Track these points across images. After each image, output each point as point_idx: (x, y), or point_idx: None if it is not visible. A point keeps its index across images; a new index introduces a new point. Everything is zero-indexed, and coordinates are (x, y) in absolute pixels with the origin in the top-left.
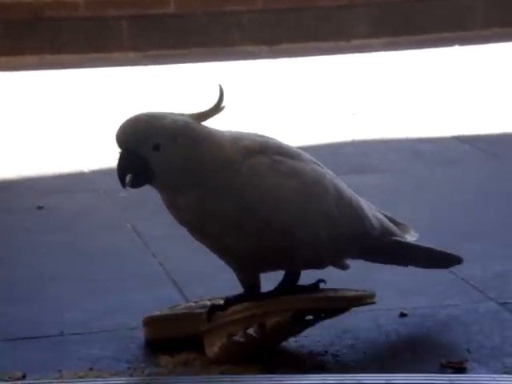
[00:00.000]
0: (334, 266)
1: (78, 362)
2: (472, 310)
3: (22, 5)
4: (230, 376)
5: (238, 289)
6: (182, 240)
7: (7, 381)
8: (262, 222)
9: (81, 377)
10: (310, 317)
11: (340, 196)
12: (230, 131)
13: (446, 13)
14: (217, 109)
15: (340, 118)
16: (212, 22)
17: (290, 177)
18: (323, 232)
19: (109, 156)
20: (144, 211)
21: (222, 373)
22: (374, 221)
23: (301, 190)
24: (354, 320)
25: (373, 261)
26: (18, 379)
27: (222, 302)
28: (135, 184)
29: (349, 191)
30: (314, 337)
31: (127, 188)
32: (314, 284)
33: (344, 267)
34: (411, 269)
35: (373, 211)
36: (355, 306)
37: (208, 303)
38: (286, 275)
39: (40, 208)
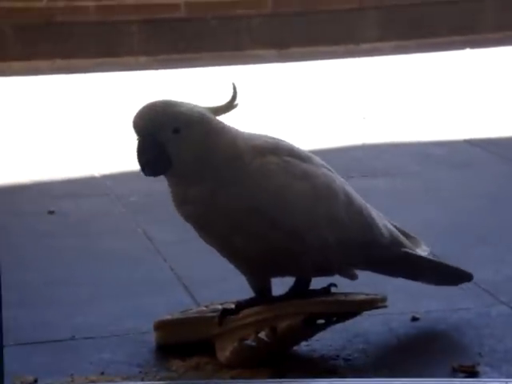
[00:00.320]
0: (342, 275)
1: (89, 366)
2: (484, 314)
3: (33, 9)
4: (241, 380)
5: (249, 293)
6: (193, 244)
7: None
8: (268, 221)
9: (92, 381)
10: (321, 321)
11: (350, 202)
12: (243, 132)
13: (457, 16)
14: (230, 106)
15: (350, 122)
16: (222, 26)
17: (301, 178)
18: (332, 237)
19: (120, 160)
20: (155, 216)
21: (233, 377)
22: (383, 230)
23: (311, 192)
24: (366, 324)
25: (381, 272)
26: (30, 383)
27: (233, 306)
28: (154, 171)
29: (359, 198)
30: (325, 341)
31: (148, 175)
32: (325, 288)
33: (352, 277)
34: None
35: (382, 220)
36: (367, 310)
37: (219, 307)
38: (296, 280)
39: (51, 212)
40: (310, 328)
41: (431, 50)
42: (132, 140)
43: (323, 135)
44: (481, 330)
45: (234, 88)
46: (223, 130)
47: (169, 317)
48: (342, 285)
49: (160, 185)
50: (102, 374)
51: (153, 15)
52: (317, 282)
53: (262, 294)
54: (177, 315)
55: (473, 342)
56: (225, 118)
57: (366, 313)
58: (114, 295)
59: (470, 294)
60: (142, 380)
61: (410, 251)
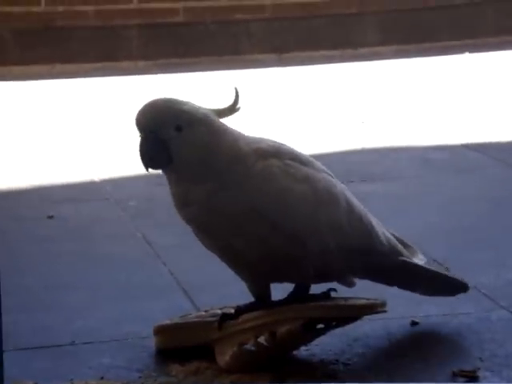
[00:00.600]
0: (340, 282)
1: (89, 370)
2: (484, 319)
3: (32, 14)
4: None
5: (248, 298)
6: (193, 249)
7: None
8: (269, 224)
9: None
10: (321, 325)
11: (351, 208)
12: (245, 134)
13: (456, 20)
14: (233, 109)
15: (349, 126)
16: (221, 31)
17: (302, 182)
18: (332, 242)
19: (119, 165)
20: (154, 220)
21: (232, 382)
22: (382, 237)
23: (311, 196)
24: (366, 328)
25: (379, 280)
26: None
27: (232, 310)
28: (155, 164)
29: (359, 205)
30: (325, 345)
31: (150, 170)
32: (324, 293)
33: (350, 284)
34: None
35: (381, 228)
36: (366, 315)
37: (219, 312)
38: (296, 285)
39: (50, 217)
40: (309, 333)
41: (431, 54)
42: (132, 144)
43: (322, 139)
44: (481, 334)
45: (237, 92)
46: (226, 131)
47: (168, 321)
48: (342, 290)
49: (159, 189)
50: (102, 378)
51: (152, 20)
52: (316, 287)
53: (262, 299)
54: (176, 320)
55: (473, 347)
56: (226, 122)
57: (365, 317)
58: (114, 300)
59: (470, 298)
60: None
61: (408, 260)
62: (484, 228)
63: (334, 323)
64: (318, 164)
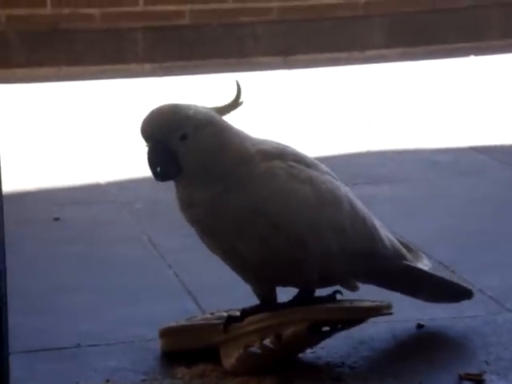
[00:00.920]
0: (343, 286)
1: (94, 373)
2: (490, 322)
3: (38, 17)
4: None
5: (254, 300)
6: (199, 252)
7: None
8: (271, 225)
9: None
10: (326, 328)
11: (354, 211)
12: (250, 136)
13: (462, 23)
14: (235, 104)
15: (355, 129)
16: (227, 33)
17: (305, 184)
18: (335, 245)
19: (125, 167)
20: (160, 223)
21: None
22: (386, 241)
23: (315, 197)
24: (371, 331)
25: (382, 285)
26: None
27: (238, 313)
28: (166, 176)
29: (363, 208)
30: (330, 348)
31: (159, 181)
32: (330, 295)
33: (354, 288)
34: None
35: (385, 231)
36: (372, 317)
37: (224, 314)
38: (301, 288)
39: (56, 219)
40: (315, 335)
41: (436, 56)
42: (137, 147)
43: (328, 142)
44: (487, 337)
45: (238, 86)
46: (231, 131)
47: (174, 324)
48: (347, 292)
49: (165, 192)
50: (107, 381)
51: (158, 22)
52: (321, 290)
53: (267, 301)
54: (182, 322)
55: (479, 350)
56: (231, 124)
57: (371, 320)
58: (119, 302)
59: (476, 301)
60: None
61: (412, 264)
62: (490, 231)
63: (339, 326)
64: (322, 166)
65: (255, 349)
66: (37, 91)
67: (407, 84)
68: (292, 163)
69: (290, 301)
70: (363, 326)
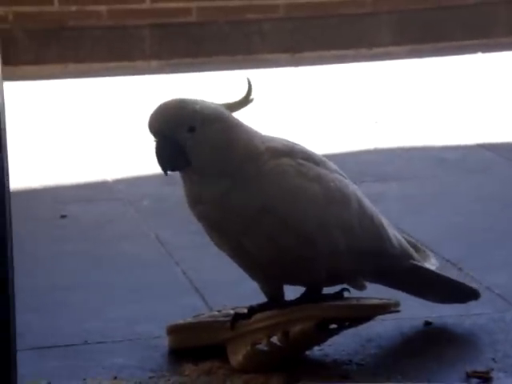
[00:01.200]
0: (351, 285)
1: (102, 370)
2: (497, 319)
3: (45, 14)
4: None
5: (261, 297)
6: (206, 249)
7: None
8: (280, 222)
9: None
10: (334, 325)
11: (362, 210)
12: (259, 132)
13: (469, 20)
14: (246, 101)
15: (363, 126)
16: (234, 31)
17: (314, 181)
18: (343, 243)
19: (132, 165)
20: (168, 220)
21: (245, 382)
22: (393, 240)
23: (323, 195)
24: (379, 329)
25: (389, 285)
26: None
27: (245, 310)
28: (174, 167)
29: (371, 206)
30: (338, 346)
31: (169, 174)
32: (337, 292)
33: (361, 287)
34: None
35: (392, 230)
36: (380, 315)
37: (232, 312)
38: (309, 286)
39: (63, 217)
40: (322, 333)
41: (444, 54)
42: (145, 144)
43: (335, 139)
44: (495, 335)
45: (249, 83)
46: (240, 128)
47: (181, 321)
48: (354, 290)
49: (172, 189)
50: (115, 378)
51: (165, 19)
52: (329, 288)
53: (275, 299)
54: (189, 320)
55: (486, 348)
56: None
57: (378, 317)
58: (127, 299)
59: (484, 298)
60: None
61: (419, 264)
62: (498, 228)
63: (347, 323)
64: (331, 164)
65: (262, 346)
66: (44, 88)
67: (415, 81)
68: (301, 161)
69: (298, 298)
70: (371, 323)
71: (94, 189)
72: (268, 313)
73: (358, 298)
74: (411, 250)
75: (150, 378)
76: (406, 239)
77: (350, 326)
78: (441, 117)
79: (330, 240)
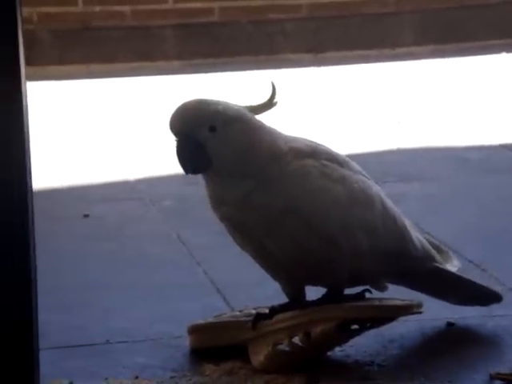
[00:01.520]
0: (372, 286)
1: (123, 370)
2: None
3: (69, 14)
4: None
5: (283, 298)
6: (228, 249)
7: None
8: (303, 223)
9: None
10: (355, 326)
11: (385, 211)
12: (283, 133)
13: (493, 20)
14: (269, 104)
15: (385, 126)
16: (256, 30)
17: (338, 183)
18: (366, 244)
19: (154, 164)
20: (189, 220)
21: (267, 382)
22: (416, 242)
23: (347, 196)
24: (401, 329)
25: (410, 286)
26: None
27: (267, 310)
28: (195, 169)
29: (394, 208)
30: (359, 346)
31: (190, 173)
32: (359, 293)
33: (383, 289)
34: None
35: (415, 232)
36: (402, 316)
37: (253, 312)
38: (330, 286)
39: (86, 216)
40: (344, 333)
41: (467, 54)
42: (166, 144)
43: (358, 139)
44: None
45: (273, 87)
46: (263, 129)
47: (202, 321)
48: (376, 291)
49: (194, 189)
50: (137, 378)
51: (187, 19)
52: (350, 288)
53: (296, 299)
54: (210, 320)
55: (510, 349)
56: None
57: (400, 318)
58: (148, 299)
59: (507, 300)
60: None
61: (441, 266)
62: None
63: (368, 324)
64: (354, 164)
65: (284, 346)
66: (67, 89)
67: (438, 81)
68: (325, 162)
69: (319, 299)
70: (393, 324)
71: (116, 188)
72: (290, 313)
73: (379, 299)
74: (433, 252)
75: (172, 377)
76: (428, 240)
77: (371, 327)
78: (463, 117)
79: (353, 241)
